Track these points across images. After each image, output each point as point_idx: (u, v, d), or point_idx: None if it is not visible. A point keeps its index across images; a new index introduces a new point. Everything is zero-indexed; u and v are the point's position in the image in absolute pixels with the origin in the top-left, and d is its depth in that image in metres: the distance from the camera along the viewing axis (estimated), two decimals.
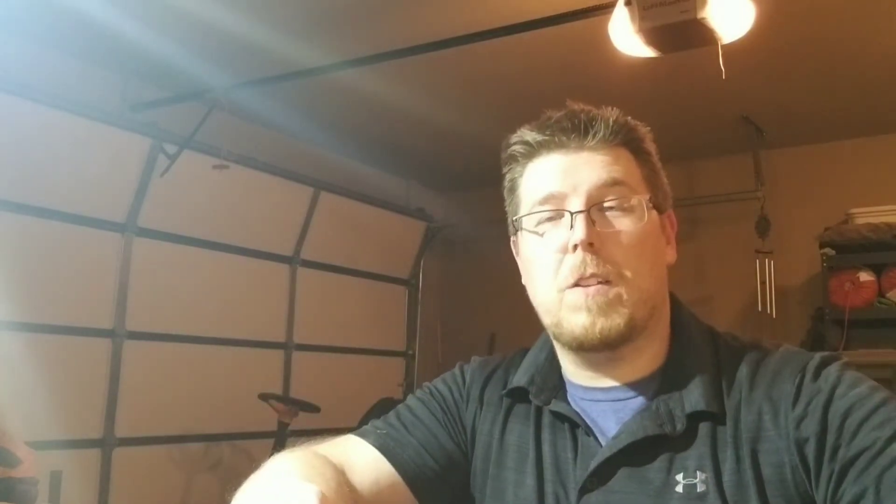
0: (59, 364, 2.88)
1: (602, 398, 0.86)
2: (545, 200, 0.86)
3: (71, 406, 2.89)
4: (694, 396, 0.81)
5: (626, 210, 0.84)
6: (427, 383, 1.03)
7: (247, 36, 2.82)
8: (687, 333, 0.88)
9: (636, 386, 0.85)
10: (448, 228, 4.81)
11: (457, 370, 1.03)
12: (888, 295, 3.45)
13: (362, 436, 0.94)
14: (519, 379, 0.94)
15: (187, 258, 3.40)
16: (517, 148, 0.90)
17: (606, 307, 0.81)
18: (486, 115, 3.76)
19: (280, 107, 3.47)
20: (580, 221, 0.82)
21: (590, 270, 0.81)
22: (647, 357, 0.86)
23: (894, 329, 3.48)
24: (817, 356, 0.81)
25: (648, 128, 0.91)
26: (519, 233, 0.91)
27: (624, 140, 0.87)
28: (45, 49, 2.99)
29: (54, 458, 2.74)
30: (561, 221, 0.84)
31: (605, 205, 0.84)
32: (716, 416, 0.80)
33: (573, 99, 0.91)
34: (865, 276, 3.50)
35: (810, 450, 0.74)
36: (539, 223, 0.87)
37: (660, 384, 0.84)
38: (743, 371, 0.82)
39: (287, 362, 3.88)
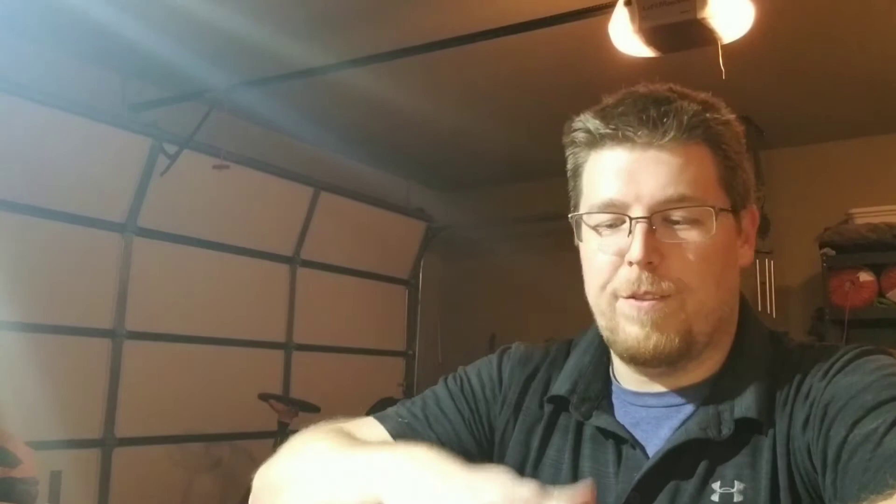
0: (59, 364, 2.88)
1: (654, 404, 0.82)
2: (605, 207, 0.79)
3: (71, 406, 2.89)
4: (745, 402, 0.76)
5: (692, 222, 0.77)
6: (462, 370, 0.97)
7: (247, 36, 2.82)
8: (748, 340, 0.83)
9: (689, 392, 0.81)
10: (448, 228, 4.80)
11: (495, 362, 0.96)
12: (888, 295, 3.45)
13: (381, 420, 0.91)
14: (560, 387, 0.88)
15: (187, 258, 3.40)
16: (580, 135, 0.82)
17: (662, 322, 0.77)
18: (485, 115, 3.76)
19: (280, 107, 3.47)
20: (639, 233, 0.76)
21: (644, 288, 0.77)
22: (707, 366, 0.81)
23: (894, 329, 3.48)
24: (841, 351, 0.77)
25: (733, 115, 0.82)
26: (578, 228, 0.85)
27: (701, 137, 0.78)
28: (45, 49, 2.98)
29: (54, 458, 2.74)
30: (622, 226, 0.78)
31: (670, 213, 0.77)
32: (762, 426, 0.76)
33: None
34: (865, 276, 3.50)
35: (815, 455, 0.71)
36: (598, 224, 0.81)
37: (712, 390, 0.80)
38: (788, 375, 0.78)
39: (287, 362, 3.88)
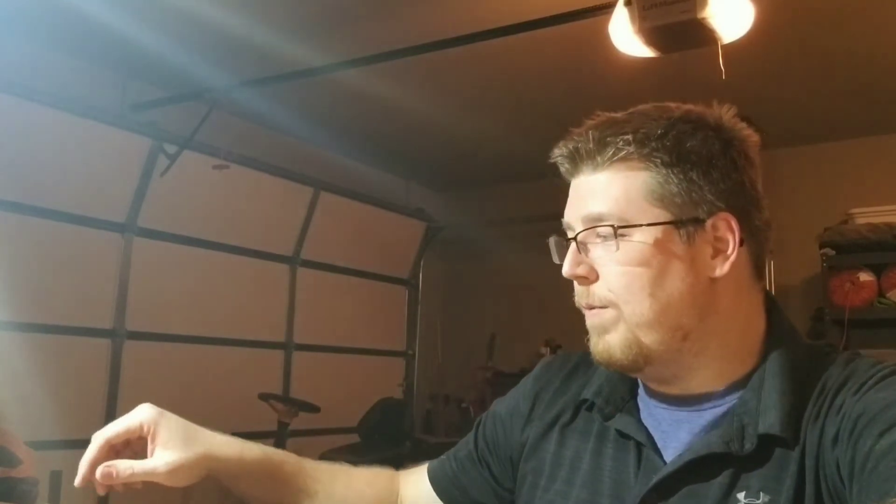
0: (59, 364, 2.88)
1: (676, 406, 0.84)
2: (564, 227, 0.88)
3: (71, 406, 2.89)
4: (770, 417, 0.77)
5: (612, 237, 0.81)
6: (495, 401, 1.06)
7: (247, 36, 2.82)
8: (779, 347, 0.82)
9: (713, 397, 0.82)
10: (448, 228, 4.81)
11: (521, 383, 1.04)
12: (888, 295, 3.45)
13: (432, 461, 1.06)
14: (587, 392, 0.93)
15: (187, 258, 3.40)
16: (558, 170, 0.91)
17: (602, 330, 0.83)
18: (486, 115, 3.76)
19: (280, 107, 3.47)
20: (567, 253, 0.84)
21: (583, 301, 0.84)
22: (711, 373, 0.82)
23: (894, 329, 3.48)
24: (877, 368, 0.77)
25: (686, 126, 0.82)
26: None
27: (622, 154, 0.81)
28: (45, 49, 2.99)
29: (54, 458, 2.73)
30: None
31: (596, 233, 0.83)
32: (787, 441, 0.76)
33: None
34: (865, 276, 3.50)
35: (843, 468, 0.72)
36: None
37: (739, 397, 0.81)
38: (821, 389, 0.78)
39: (287, 362, 3.88)
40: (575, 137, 0.85)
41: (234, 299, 3.62)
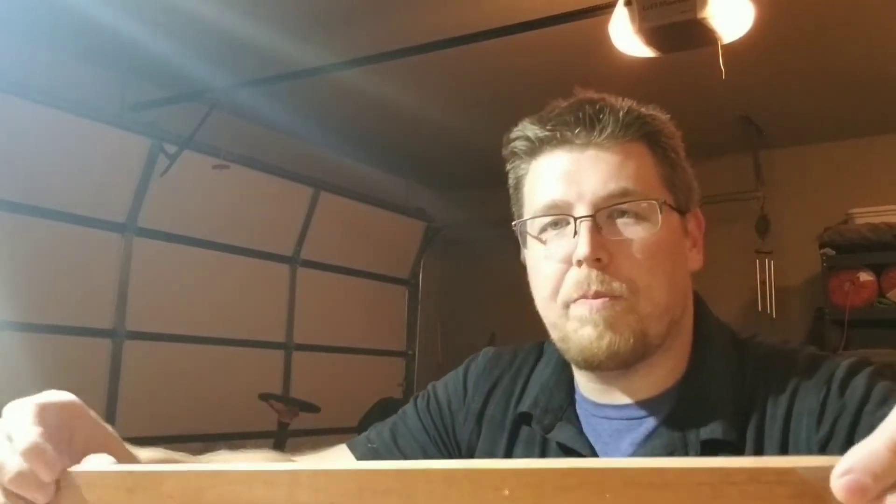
0: (59, 364, 2.88)
1: (615, 416, 0.80)
2: (548, 209, 0.77)
3: None
4: (711, 422, 0.73)
5: (637, 217, 0.75)
6: (431, 386, 0.96)
7: (247, 36, 2.82)
8: (709, 345, 0.80)
9: (650, 404, 0.78)
10: (448, 228, 4.80)
11: (461, 373, 0.94)
12: (888, 295, 3.45)
13: (352, 446, 0.92)
14: (523, 403, 0.86)
15: (187, 258, 3.40)
16: (519, 144, 0.81)
17: (613, 321, 0.74)
18: (485, 115, 3.75)
19: (280, 107, 3.47)
20: (584, 232, 0.73)
21: (594, 288, 0.73)
22: (663, 372, 0.78)
23: (894, 329, 3.48)
24: (844, 364, 0.73)
25: (668, 116, 0.81)
26: (522, 238, 0.83)
27: (638, 134, 0.77)
28: (45, 49, 2.98)
29: None
30: (566, 229, 0.76)
31: (615, 210, 0.75)
32: (733, 445, 0.72)
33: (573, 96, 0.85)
34: (865, 276, 3.50)
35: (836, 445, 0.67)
36: (542, 230, 0.78)
37: (676, 403, 0.77)
38: (767, 385, 0.74)
39: (287, 362, 3.88)
40: (587, 104, 0.77)
41: (234, 299, 3.61)
